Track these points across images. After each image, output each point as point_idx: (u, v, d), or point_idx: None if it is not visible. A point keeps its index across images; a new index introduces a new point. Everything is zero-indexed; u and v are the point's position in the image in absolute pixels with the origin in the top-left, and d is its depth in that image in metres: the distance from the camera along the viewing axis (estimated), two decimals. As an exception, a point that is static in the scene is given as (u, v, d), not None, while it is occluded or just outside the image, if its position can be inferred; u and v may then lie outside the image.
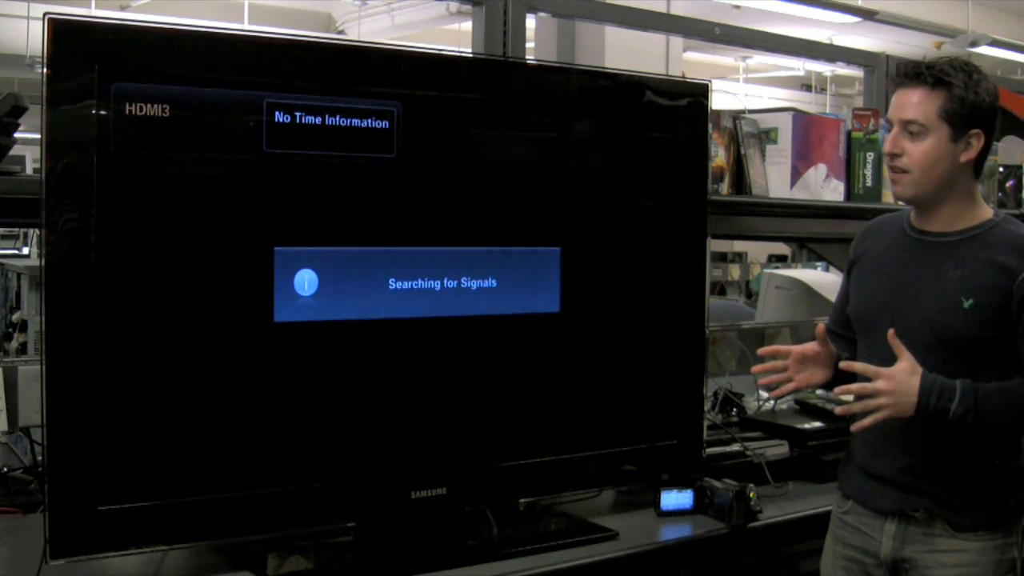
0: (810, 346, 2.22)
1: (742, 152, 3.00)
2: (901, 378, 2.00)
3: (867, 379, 2.04)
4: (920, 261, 2.16)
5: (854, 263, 2.31)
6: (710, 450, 2.66)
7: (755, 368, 2.34)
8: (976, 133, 2.10)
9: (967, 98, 2.07)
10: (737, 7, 7.77)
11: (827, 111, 10.66)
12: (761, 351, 2.32)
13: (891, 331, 2.04)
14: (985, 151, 2.13)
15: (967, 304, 2.06)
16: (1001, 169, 3.77)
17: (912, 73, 2.11)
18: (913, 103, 2.10)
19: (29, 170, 3.83)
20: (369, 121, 2.11)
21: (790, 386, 2.23)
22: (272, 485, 2.06)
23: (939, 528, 2.12)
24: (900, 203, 2.29)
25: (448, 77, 2.30)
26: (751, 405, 3.22)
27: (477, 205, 2.30)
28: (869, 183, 3.25)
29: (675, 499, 2.47)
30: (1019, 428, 2.12)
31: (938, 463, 2.12)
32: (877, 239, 2.28)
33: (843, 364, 2.21)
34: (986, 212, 2.16)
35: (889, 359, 2.07)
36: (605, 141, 2.48)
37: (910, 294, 2.14)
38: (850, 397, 2.10)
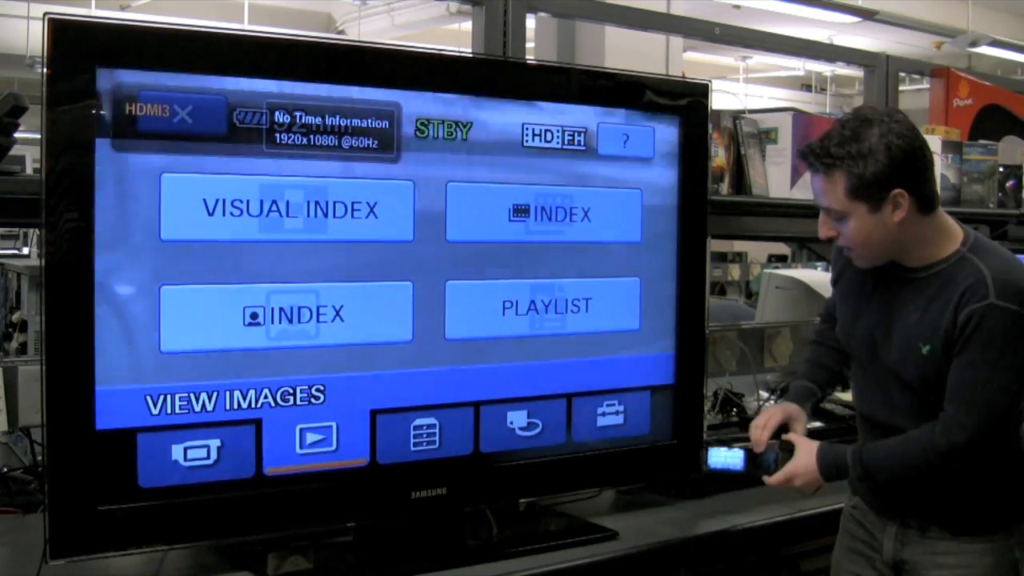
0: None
1: (742, 152, 3.00)
2: (801, 473, 2.13)
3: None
4: (896, 298, 2.09)
5: (837, 279, 2.27)
6: (710, 450, 2.65)
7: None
8: (897, 193, 1.96)
9: (865, 173, 1.94)
10: (737, 7, 7.78)
11: (827, 111, 10.68)
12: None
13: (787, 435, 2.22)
14: (922, 194, 1.99)
15: (925, 350, 2.02)
16: (1001, 169, 3.77)
17: (804, 158, 2.02)
18: (820, 191, 2.01)
19: (29, 170, 3.83)
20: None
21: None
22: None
23: (936, 532, 2.12)
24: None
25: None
26: (751, 405, 3.22)
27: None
28: (869, 183, 3.24)
29: (724, 458, 2.30)
30: (917, 478, 2.07)
31: (931, 479, 2.09)
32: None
33: (785, 437, 2.22)
34: (953, 242, 2.05)
35: (875, 387, 2.13)
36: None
37: (883, 333, 2.10)
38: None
